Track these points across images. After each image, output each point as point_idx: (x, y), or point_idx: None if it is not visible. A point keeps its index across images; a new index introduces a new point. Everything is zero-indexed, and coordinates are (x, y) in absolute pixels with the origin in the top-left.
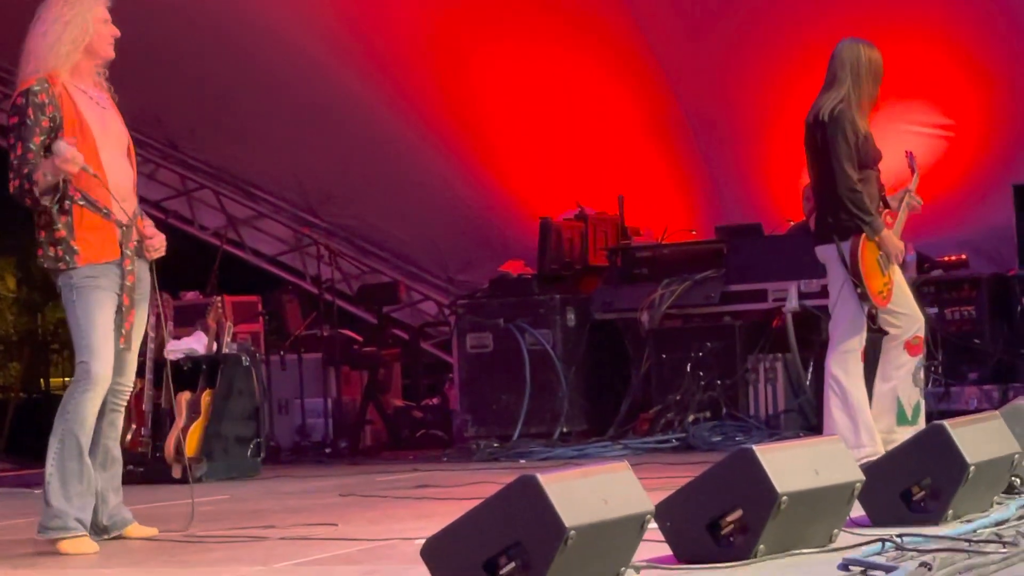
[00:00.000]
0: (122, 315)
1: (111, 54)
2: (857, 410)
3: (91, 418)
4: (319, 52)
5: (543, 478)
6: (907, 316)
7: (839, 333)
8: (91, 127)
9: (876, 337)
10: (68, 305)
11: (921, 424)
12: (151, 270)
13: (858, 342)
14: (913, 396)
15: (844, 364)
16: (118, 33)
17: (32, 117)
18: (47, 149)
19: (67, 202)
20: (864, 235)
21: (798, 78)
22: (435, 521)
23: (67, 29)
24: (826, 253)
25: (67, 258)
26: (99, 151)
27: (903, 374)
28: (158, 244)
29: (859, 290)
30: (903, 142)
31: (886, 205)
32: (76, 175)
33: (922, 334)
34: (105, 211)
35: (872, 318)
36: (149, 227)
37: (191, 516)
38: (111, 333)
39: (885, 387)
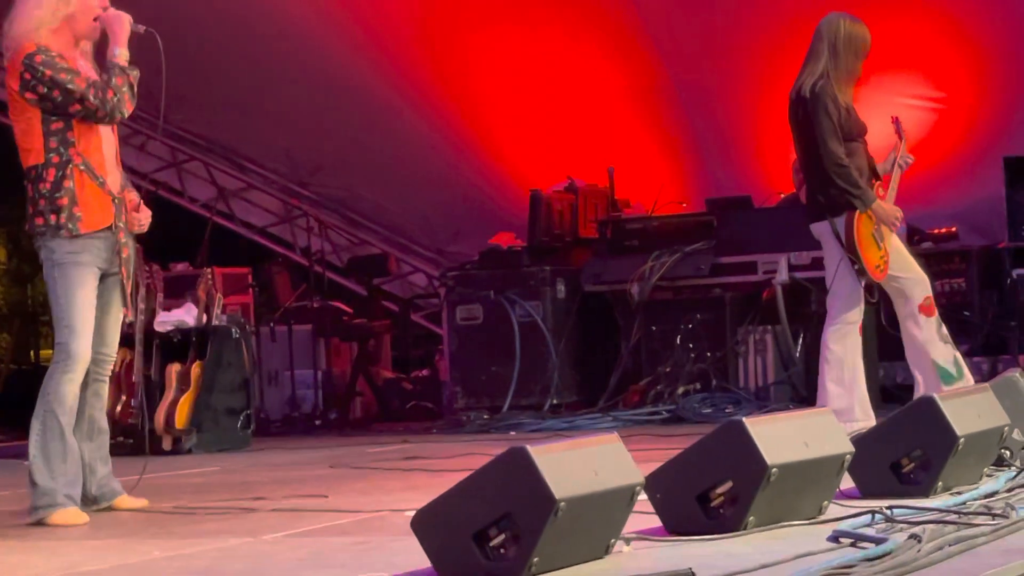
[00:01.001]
0: (123, 288)
1: (95, 28)
2: (853, 383)
3: (71, 398)
4: (310, 23)
5: (533, 450)
6: (910, 279)
7: (837, 307)
8: None
9: (873, 310)
10: (49, 281)
11: (968, 376)
12: (136, 239)
13: (856, 315)
14: (947, 353)
15: (842, 337)
16: (106, 3)
17: (59, 62)
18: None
19: (70, 166)
20: (856, 210)
21: (789, 51)
22: (425, 493)
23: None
24: (820, 229)
25: (70, 225)
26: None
27: (926, 337)
28: (144, 219)
29: (856, 267)
30: (894, 114)
31: (876, 175)
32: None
33: (930, 293)
34: (100, 180)
35: (870, 291)
36: (138, 202)
37: (135, 484)
38: (92, 312)
39: (917, 357)
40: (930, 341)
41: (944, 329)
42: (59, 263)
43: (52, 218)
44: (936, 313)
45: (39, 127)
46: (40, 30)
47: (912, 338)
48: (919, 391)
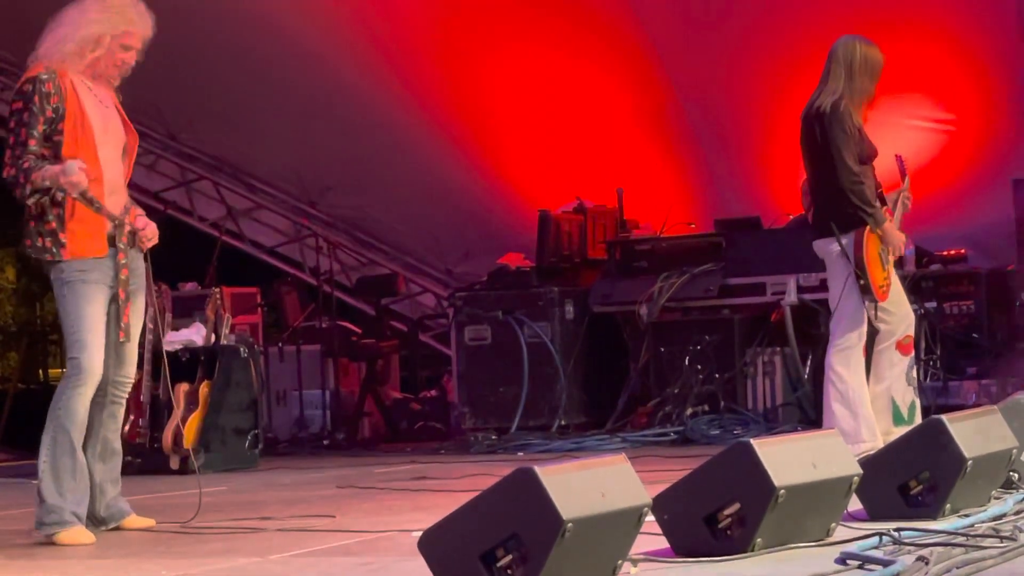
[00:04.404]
0: (119, 308)
1: (113, 76)
2: (858, 404)
3: (82, 414)
4: (319, 43)
5: (540, 470)
6: (898, 315)
7: (841, 327)
8: (92, 124)
9: (872, 334)
10: (59, 299)
11: (917, 422)
12: (146, 259)
13: (859, 336)
14: (907, 395)
15: (845, 358)
16: (131, 63)
17: (38, 104)
18: (47, 139)
19: (60, 193)
20: (868, 227)
21: (798, 73)
22: (433, 513)
23: (79, 31)
24: (825, 247)
25: (54, 250)
26: (98, 148)
27: (896, 373)
28: (150, 233)
29: (862, 282)
30: (903, 136)
31: (883, 203)
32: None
33: (912, 333)
34: (97, 205)
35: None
36: (140, 218)
37: (198, 507)
38: (102, 327)
39: (879, 388)
40: (896, 379)
41: (913, 372)
42: (68, 281)
43: (39, 241)
44: (911, 354)
45: None
46: (68, 53)
47: (880, 372)
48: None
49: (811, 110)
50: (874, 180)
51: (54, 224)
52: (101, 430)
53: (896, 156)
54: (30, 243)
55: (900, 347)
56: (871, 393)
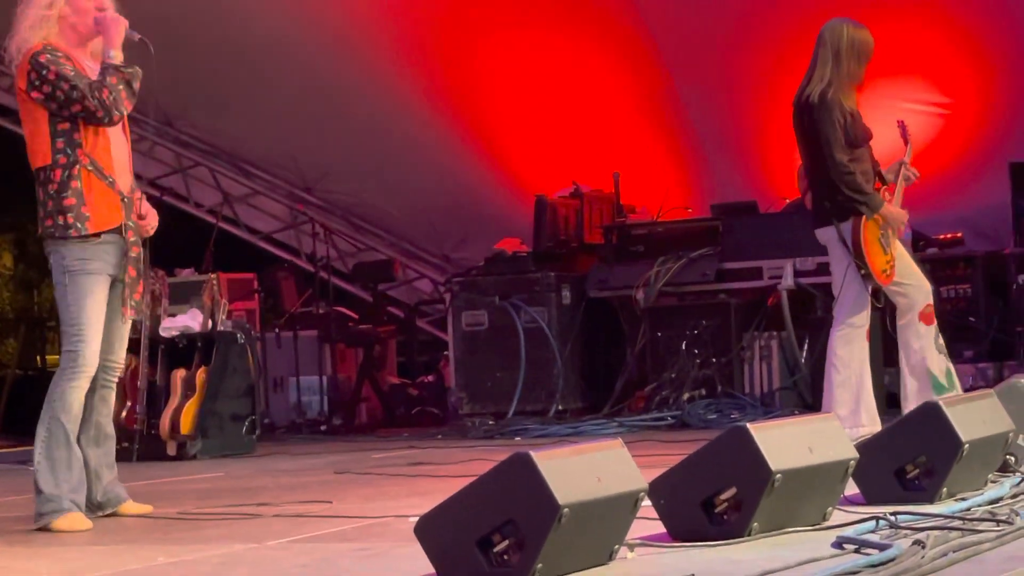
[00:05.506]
0: (130, 288)
1: (91, 28)
2: (859, 389)
3: (77, 406)
4: (316, 29)
5: (537, 456)
6: (913, 285)
7: (844, 312)
8: None
9: (879, 316)
10: (58, 287)
11: (958, 388)
12: (145, 246)
13: (862, 320)
14: (941, 363)
15: (849, 342)
16: (103, 4)
17: (63, 62)
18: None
19: (76, 167)
20: (863, 215)
21: (793, 57)
22: (429, 498)
23: (30, 14)
24: (826, 235)
25: (78, 224)
26: None
27: (925, 344)
28: (152, 221)
29: (863, 272)
30: (900, 118)
31: (882, 180)
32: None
33: (931, 301)
34: (110, 180)
35: (876, 295)
36: (143, 204)
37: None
38: (101, 319)
39: (913, 364)
40: (927, 349)
41: (941, 340)
42: (69, 269)
43: (60, 219)
44: (935, 323)
45: (46, 128)
46: (44, 29)
47: (909, 345)
48: (908, 398)
49: (801, 99)
50: (871, 161)
51: (74, 200)
52: (93, 415)
53: (898, 122)
54: (51, 222)
55: (923, 317)
56: (906, 374)
